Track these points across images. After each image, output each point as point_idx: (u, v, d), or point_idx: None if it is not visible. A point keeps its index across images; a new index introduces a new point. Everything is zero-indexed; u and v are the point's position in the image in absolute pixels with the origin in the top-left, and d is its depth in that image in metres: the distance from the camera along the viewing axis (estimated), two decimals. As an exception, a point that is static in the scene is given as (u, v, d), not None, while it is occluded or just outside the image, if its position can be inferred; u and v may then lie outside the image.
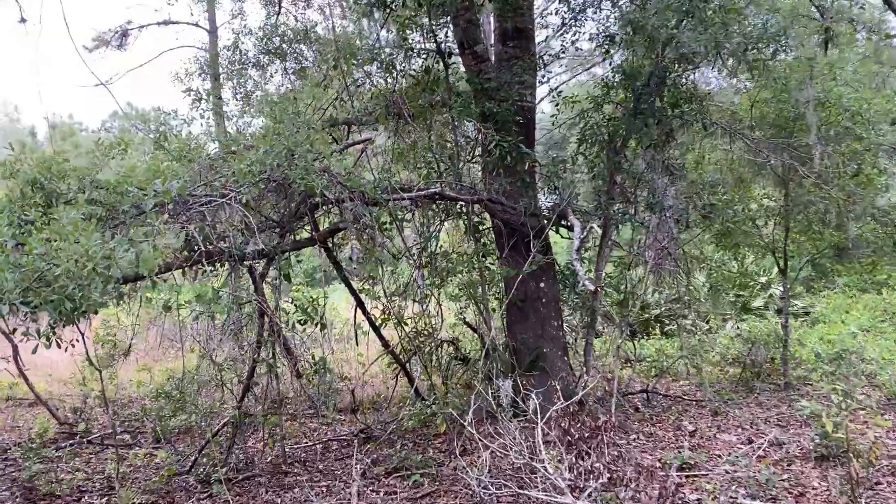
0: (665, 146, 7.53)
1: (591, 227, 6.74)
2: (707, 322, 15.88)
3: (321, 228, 7.44)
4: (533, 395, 6.31)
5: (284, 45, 11.54)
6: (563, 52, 8.78)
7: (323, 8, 14.47)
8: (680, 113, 7.32)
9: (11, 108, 48.40)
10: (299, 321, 6.49)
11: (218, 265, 5.83)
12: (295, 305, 6.51)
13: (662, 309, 16.00)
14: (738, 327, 14.69)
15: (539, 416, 6.40)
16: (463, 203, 7.98)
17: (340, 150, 6.66)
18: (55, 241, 3.99)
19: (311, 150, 6.04)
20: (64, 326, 4.46)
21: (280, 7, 13.95)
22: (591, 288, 6.15)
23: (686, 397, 10.04)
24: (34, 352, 4.11)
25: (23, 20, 17.10)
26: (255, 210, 6.50)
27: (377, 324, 8.16)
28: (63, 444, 8.57)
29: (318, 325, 6.59)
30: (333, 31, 8.76)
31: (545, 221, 8.32)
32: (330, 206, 6.66)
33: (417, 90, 8.29)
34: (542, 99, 11.41)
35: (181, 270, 5.93)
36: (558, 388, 8.20)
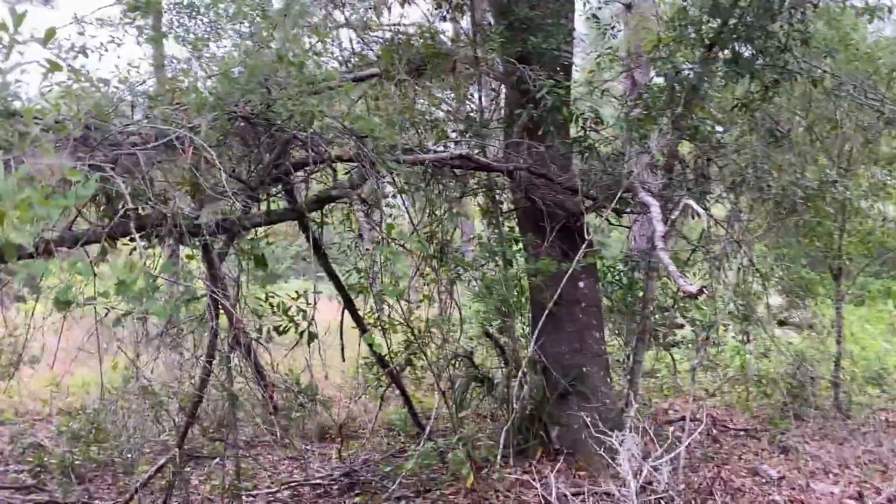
0: (763, 105, 5.75)
1: (687, 204, 4.85)
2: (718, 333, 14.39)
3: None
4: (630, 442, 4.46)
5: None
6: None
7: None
8: (785, 62, 5.54)
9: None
10: (276, 329, 4.46)
11: (155, 239, 3.72)
12: (271, 305, 4.47)
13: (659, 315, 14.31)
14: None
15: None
16: (489, 174, 6.08)
17: (345, 81, 4.62)
18: None
19: (304, 74, 4.03)
20: None
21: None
22: (692, 290, 4.26)
23: (729, 426, 8.33)
24: None
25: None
26: (210, 163, 4.44)
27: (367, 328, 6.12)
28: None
29: (306, 336, 4.57)
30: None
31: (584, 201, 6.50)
32: (320, 166, 4.62)
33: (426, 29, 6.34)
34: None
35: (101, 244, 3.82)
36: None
